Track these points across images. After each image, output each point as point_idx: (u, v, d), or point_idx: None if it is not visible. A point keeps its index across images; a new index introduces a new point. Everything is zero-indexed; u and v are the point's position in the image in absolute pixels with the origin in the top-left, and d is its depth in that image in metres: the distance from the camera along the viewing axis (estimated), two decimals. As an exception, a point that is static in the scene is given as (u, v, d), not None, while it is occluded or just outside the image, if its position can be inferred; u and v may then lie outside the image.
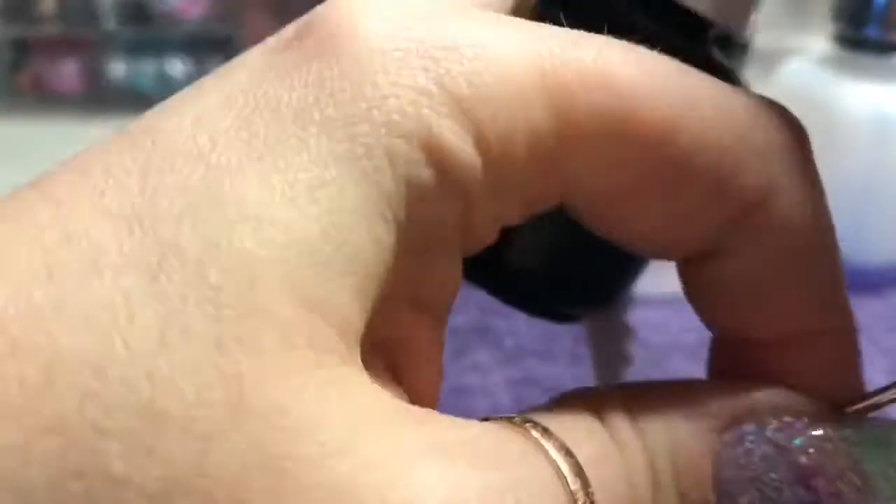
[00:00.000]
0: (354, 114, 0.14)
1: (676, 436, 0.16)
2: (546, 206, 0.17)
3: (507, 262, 0.22)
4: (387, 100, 0.14)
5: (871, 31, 0.48)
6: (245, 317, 0.13)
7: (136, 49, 1.82)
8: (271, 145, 0.14)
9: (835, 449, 0.17)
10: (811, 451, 0.16)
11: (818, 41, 0.53)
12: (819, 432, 0.17)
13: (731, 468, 0.16)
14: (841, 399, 0.17)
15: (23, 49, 1.80)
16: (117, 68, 1.82)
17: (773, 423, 0.17)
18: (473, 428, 0.15)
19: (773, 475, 0.16)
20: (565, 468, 0.15)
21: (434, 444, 0.14)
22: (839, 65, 0.49)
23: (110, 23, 1.80)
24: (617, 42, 0.16)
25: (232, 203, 0.14)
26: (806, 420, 0.17)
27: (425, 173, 0.15)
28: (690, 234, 0.17)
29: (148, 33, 1.79)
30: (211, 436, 0.12)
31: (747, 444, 0.16)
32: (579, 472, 0.15)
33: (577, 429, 0.16)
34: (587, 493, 0.15)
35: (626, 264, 0.23)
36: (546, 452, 0.15)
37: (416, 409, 0.15)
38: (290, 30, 0.16)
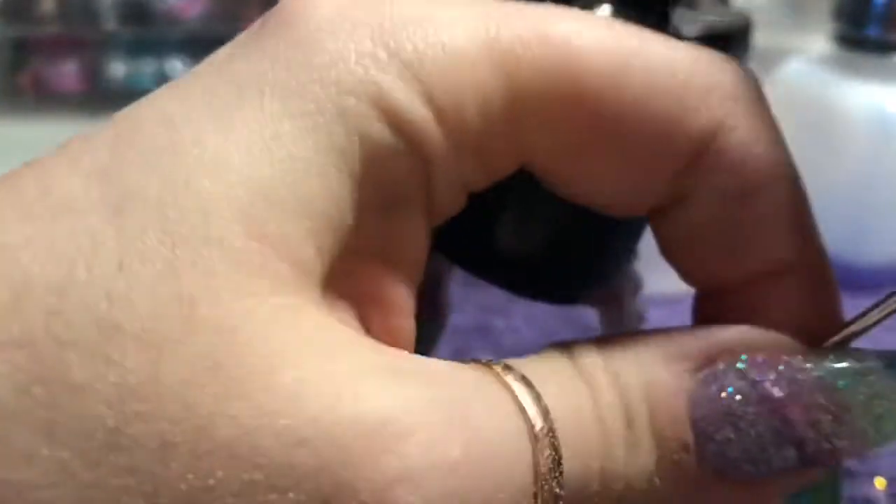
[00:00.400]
0: (306, 76, 0.15)
1: (650, 375, 0.17)
2: (508, 169, 0.17)
3: (499, 245, 0.22)
4: (336, 63, 0.15)
5: (871, 31, 0.48)
6: (199, 245, 0.14)
7: (136, 49, 1.82)
8: (230, 106, 0.15)
9: (809, 380, 0.16)
10: (784, 383, 0.16)
11: (818, 41, 0.53)
12: (792, 365, 0.17)
13: (706, 406, 0.16)
14: (819, 333, 0.18)
15: (23, 49, 1.81)
16: (117, 68, 1.82)
17: (745, 359, 0.17)
18: (431, 360, 0.16)
19: (747, 409, 0.16)
20: (524, 396, 0.15)
21: (385, 366, 0.15)
22: (839, 65, 0.49)
23: (110, 23, 1.80)
24: (559, 7, 0.17)
25: (191, 152, 0.15)
26: (778, 354, 0.17)
27: (377, 129, 0.15)
28: (649, 183, 0.17)
29: (148, 33, 1.80)
30: (163, 346, 0.13)
31: (720, 381, 0.16)
32: (538, 400, 0.15)
33: (544, 366, 0.16)
34: (547, 421, 0.15)
35: (619, 240, 0.23)
36: (505, 383, 0.16)
37: (373, 341, 0.16)
38: (257, 22, 0.17)
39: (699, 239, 0.18)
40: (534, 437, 0.15)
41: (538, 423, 0.15)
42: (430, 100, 0.16)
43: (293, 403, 0.13)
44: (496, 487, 0.14)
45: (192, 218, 0.14)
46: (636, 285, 0.26)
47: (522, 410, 0.15)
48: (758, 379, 0.16)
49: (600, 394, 0.16)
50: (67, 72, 1.78)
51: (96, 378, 0.13)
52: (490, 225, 0.19)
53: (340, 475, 0.13)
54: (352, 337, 0.15)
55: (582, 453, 0.16)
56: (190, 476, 0.13)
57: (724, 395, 0.16)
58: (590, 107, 0.16)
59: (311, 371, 0.14)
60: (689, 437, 0.16)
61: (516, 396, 0.15)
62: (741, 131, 0.17)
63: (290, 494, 0.13)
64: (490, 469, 0.14)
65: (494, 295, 0.23)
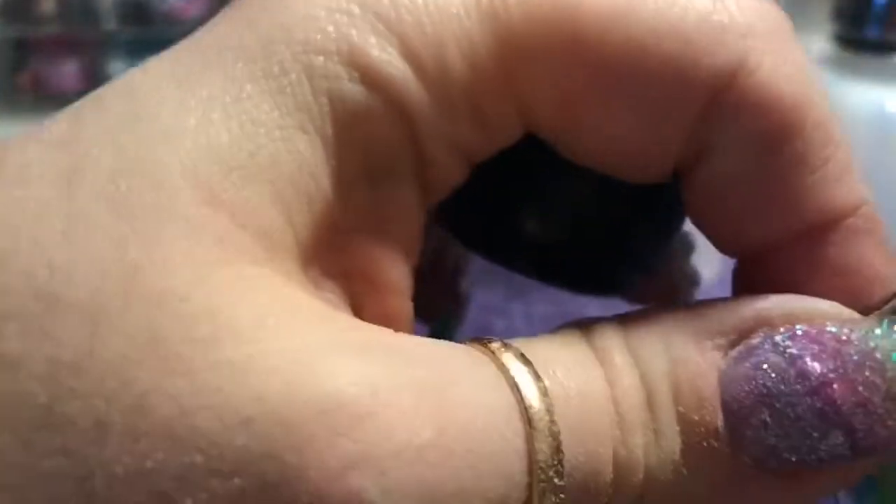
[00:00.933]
0: (271, 38, 0.14)
1: (676, 354, 0.15)
2: (511, 132, 0.16)
3: (522, 227, 0.20)
4: (305, 21, 0.15)
5: (871, 31, 0.48)
6: (149, 214, 0.13)
7: (136, 49, 1.82)
8: (191, 73, 0.14)
9: (856, 352, 0.15)
10: (826, 356, 0.14)
11: (818, 41, 0.53)
12: (836, 336, 0.15)
13: (739, 386, 0.15)
14: (871, 298, 0.16)
15: (23, 49, 1.80)
16: (117, 68, 1.82)
17: (783, 331, 0.15)
18: (414, 337, 0.15)
19: (784, 388, 0.14)
20: (521, 375, 0.14)
21: (355, 342, 0.14)
22: (839, 65, 0.49)
23: (110, 23, 1.80)
24: None
25: (147, 120, 0.14)
26: (822, 324, 0.15)
27: (349, 87, 0.14)
28: (666, 136, 0.16)
29: (148, 33, 1.79)
30: (101, 318, 0.13)
31: (755, 357, 0.15)
32: (537, 379, 0.14)
33: (552, 345, 0.15)
34: (545, 403, 0.14)
35: (656, 220, 0.21)
36: (500, 361, 0.14)
37: (351, 317, 0.15)
38: None
39: (728, 196, 0.16)
40: (528, 421, 0.14)
41: (535, 405, 0.14)
42: (408, 53, 0.15)
43: (239, 380, 0.12)
44: (478, 476, 0.13)
45: (144, 186, 0.13)
46: (692, 281, 0.24)
47: (516, 391, 0.14)
48: (796, 353, 0.15)
49: (616, 374, 0.15)
50: (67, 72, 1.78)
51: (31, 352, 0.12)
52: (510, 205, 0.18)
53: (288, 460, 0.12)
54: (324, 312, 0.14)
55: (589, 439, 0.14)
56: (126, 459, 0.12)
57: (758, 373, 0.14)
58: (591, 51, 0.15)
59: (263, 346, 0.13)
60: (719, 421, 0.15)
61: (511, 376, 0.14)
62: (765, 71, 0.15)
63: (235, 480, 0.12)
64: (470, 455, 0.13)
65: (494, 295, 0.23)
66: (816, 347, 0.15)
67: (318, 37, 0.14)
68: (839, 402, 0.14)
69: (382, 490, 0.12)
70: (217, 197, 0.13)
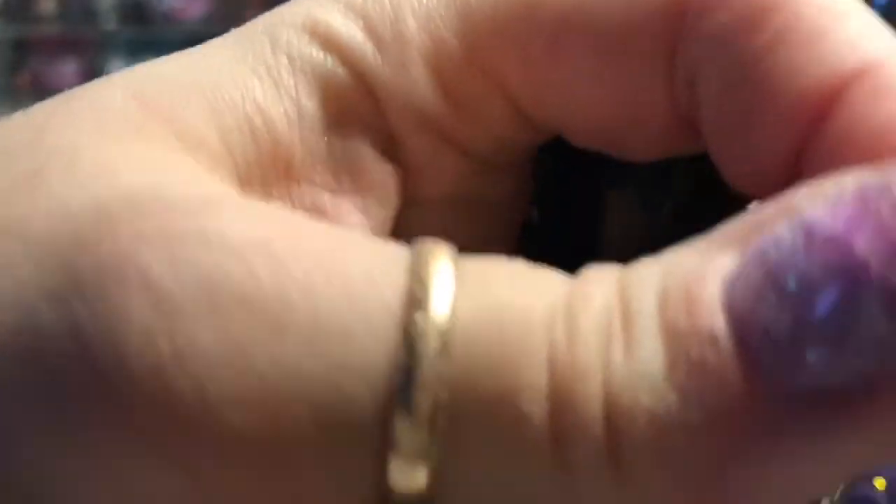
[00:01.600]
0: (254, 21, 0.16)
1: (673, 261, 0.12)
2: (502, 122, 0.16)
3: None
4: (283, 4, 0.16)
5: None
6: (82, 103, 0.15)
7: (136, 49, 1.82)
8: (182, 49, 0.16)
9: (880, 192, 0.11)
10: (843, 208, 0.11)
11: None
12: (858, 186, 0.11)
13: (744, 281, 0.11)
14: None
15: (22, 49, 1.81)
16: (117, 68, 1.82)
17: (816, 205, 0.11)
18: (338, 228, 0.15)
19: (794, 260, 0.11)
20: (434, 260, 0.12)
21: (242, 195, 0.14)
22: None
23: (110, 23, 1.80)
24: None
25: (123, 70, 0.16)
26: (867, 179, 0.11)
27: (308, 50, 0.15)
28: (647, 81, 0.15)
29: (148, 33, 1.80)
30: (4, 164, 0.14)
31: (764, 244, 0.11)
32: (455, 265, 0.12)
33: (518, 264, 0.13)
34: (454, 278, 0.12)
35: None
36: (421, 250, 0.12)
37: (272, 203, 0.15)
38: None
39: (731, 116, 0.14)
40: (417, 277, 0.12)
41: (434, 271, 0.12)
42: (365, 24, 0.15)
43: (85, 191, 0.13)
44: (311, 296, 0.12)
45: (88, 89, 0.15)
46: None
47: (417, 260, 0.12)
48: (811, 220, 0.11)
49: (584, 284, 0.12)
50: (67, 72, 1.78)
51: None
52: (575, 248, 0.18)
53: (86, 236, 0.12)
54: (228, 192, 0.14)
55: (509, 328, 0.11)
56: None
57: (764, 256, 0.11)
58: (544, 10, 0.15)
59: (132, 178, 0.13)
60: (718, 324, 0.11)
61: (420, 252, 0.12)
62: None
63: (43, 264, 0.12)
64: (308, 275, 0.12)
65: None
66: (833, 203, 0.11)
67: (286, 12, 0.16)
68: (862, 256, 0.11)
69: (171, 265, 0.12)
70: (149, 101, 0.14)
